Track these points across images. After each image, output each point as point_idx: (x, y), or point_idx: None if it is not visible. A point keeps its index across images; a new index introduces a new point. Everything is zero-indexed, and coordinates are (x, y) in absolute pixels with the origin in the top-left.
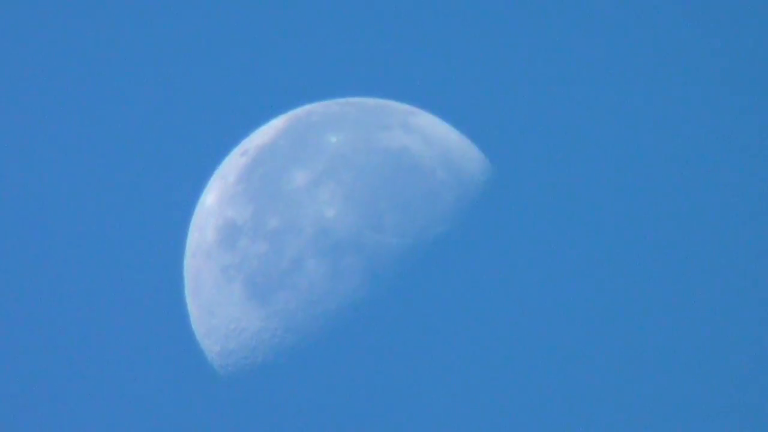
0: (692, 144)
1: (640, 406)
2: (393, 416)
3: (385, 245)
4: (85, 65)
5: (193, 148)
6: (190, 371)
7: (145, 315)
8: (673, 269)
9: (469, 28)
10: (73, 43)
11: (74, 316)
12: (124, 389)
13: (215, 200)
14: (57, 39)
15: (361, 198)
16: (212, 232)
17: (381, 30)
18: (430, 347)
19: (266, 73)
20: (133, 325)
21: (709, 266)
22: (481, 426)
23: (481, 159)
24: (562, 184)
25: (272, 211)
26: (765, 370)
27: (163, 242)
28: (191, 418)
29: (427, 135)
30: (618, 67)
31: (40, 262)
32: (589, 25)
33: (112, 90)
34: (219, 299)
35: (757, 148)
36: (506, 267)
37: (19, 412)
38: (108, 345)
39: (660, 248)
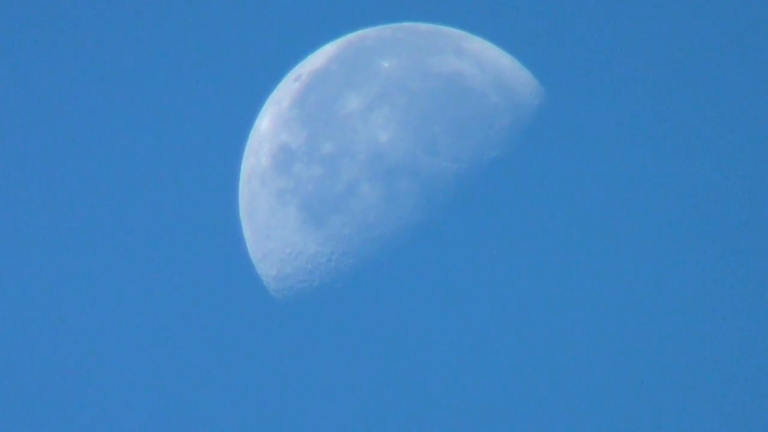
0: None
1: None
2: (449, 337)
3: (440, 169)
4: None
5: (247, 74)
6: (246, 296)
7: (200, 240)
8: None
9: None
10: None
11: (130, 244)
12: (181, 315)
13: (269, 125)
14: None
15: (415, 122)
16: (266, 156)
17: None
18: (485, 270)
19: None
20: (189, 251)
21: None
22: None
23: (534, 83)
24: (615, 108)
25: (326, 136)
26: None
27: (218, 168)
28: (248, 343)
29: (480, 59)
30: None
31: (100, 187)
32: None
33: (170, 13)
34: (274, 223)
35: None
36: (561, 191)
37: (78, 336)
38: (163, 271)
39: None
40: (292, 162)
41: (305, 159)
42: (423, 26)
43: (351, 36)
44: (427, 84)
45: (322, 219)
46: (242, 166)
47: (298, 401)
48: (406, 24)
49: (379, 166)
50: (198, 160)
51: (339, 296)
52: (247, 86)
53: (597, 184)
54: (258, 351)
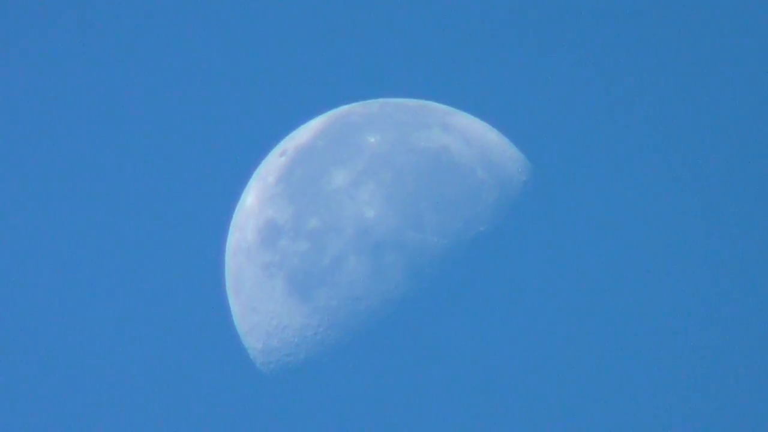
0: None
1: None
2: (436, 411)
3: (426, 244)
4: (121, 62)
5: (232, 149)
6: (232, 369)
7: (187, 314)
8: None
9: (506, 28)
10: (110, 41)
11: (117, 315)
12: (168, 388)
13: (255, 201)
14: (93, 38)
15: (401, 198)
16: (253, 232)
17: (418, 31)
18: (470, 344)
19: (304, 73)
20: (176, 323)
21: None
22: (521, 421)
23: (521, 158)
24: (602, 184)
25: (312, 212)
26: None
27: (203, 242)
28: (234, 416)
29: (467, 134)
30: (654, 66)
31: (85, 258)
32: (624, 25)
33: (153, 86)
34: (261, 296)
35: None
36: (546, 267)
37: (63, 409)
38: (150, 343)
39: (703, 250)
40: (278, 237)
41: (291, 234)
42: (409, 102)
43: (337, 111)
44: (413, 159)
45: (309, 291)
46: (228, 241)
47: None
48: (392, 99)
49: (366, 241)
50: (184, 235)
51: (326, 369)
52: (232, 161)
53: (583, 258)
54: (244, 425)
